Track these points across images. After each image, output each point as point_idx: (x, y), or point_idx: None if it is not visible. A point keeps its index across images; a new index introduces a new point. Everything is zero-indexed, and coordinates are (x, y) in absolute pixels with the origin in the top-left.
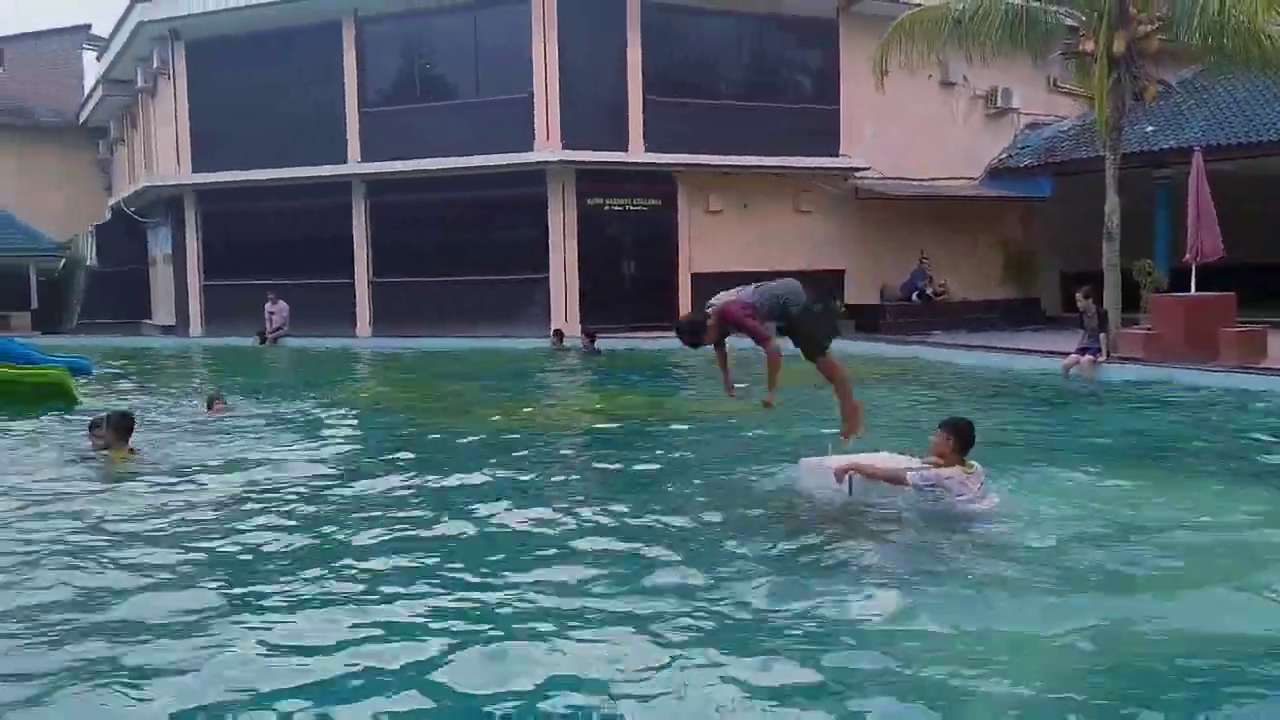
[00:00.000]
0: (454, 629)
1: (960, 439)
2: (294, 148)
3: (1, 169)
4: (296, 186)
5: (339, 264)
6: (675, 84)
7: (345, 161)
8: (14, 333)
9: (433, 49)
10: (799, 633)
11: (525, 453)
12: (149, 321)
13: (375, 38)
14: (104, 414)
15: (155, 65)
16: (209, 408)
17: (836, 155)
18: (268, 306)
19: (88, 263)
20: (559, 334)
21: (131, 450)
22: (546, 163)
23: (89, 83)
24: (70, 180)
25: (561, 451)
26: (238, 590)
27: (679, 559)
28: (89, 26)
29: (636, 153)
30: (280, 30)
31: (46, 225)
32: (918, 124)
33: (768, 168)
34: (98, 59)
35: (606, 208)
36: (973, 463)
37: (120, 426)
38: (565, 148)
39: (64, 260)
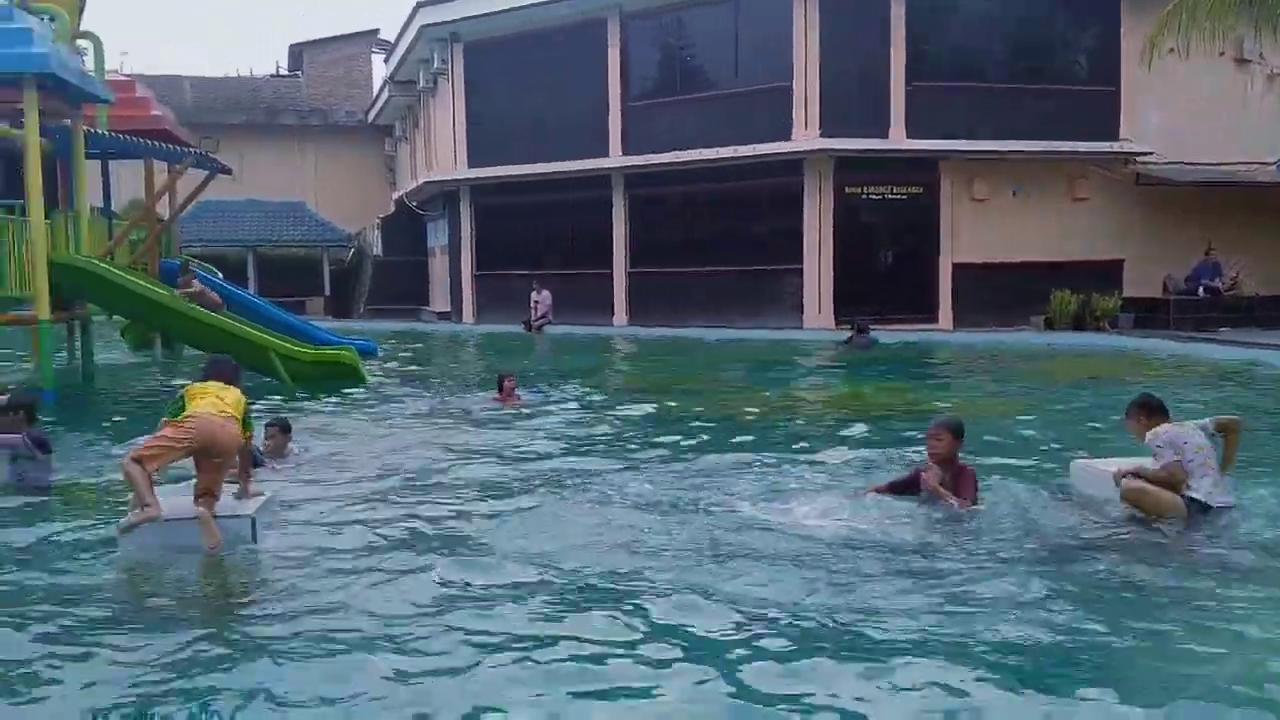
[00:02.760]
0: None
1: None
2: (559, 143)
3: (301, 166)
4: (561, 181)
5: (599, 254)
6: (940, 67)
7: (606, 155)
8: (309, 316)
9: (693, 41)
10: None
11: (805, 444)
12: (427, 308)
13: (638, 33)
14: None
15: (435, 66)
16: (499, 391)
17: (1115, 139)
18: (533, 295)
19: (374, 253)
20: (853, 325)
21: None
22: (805, 151)
23: (376, 84)
24: (360, 176)
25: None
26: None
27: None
28: (377, 31)
29: (898, 139)
30: (550, 30)
31: (338, 218)
32: (1206, 105)
33: (1040, 153)
34: (385, 62)
35: (865, 196)
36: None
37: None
38: (824, 136)
39: (353, 250)
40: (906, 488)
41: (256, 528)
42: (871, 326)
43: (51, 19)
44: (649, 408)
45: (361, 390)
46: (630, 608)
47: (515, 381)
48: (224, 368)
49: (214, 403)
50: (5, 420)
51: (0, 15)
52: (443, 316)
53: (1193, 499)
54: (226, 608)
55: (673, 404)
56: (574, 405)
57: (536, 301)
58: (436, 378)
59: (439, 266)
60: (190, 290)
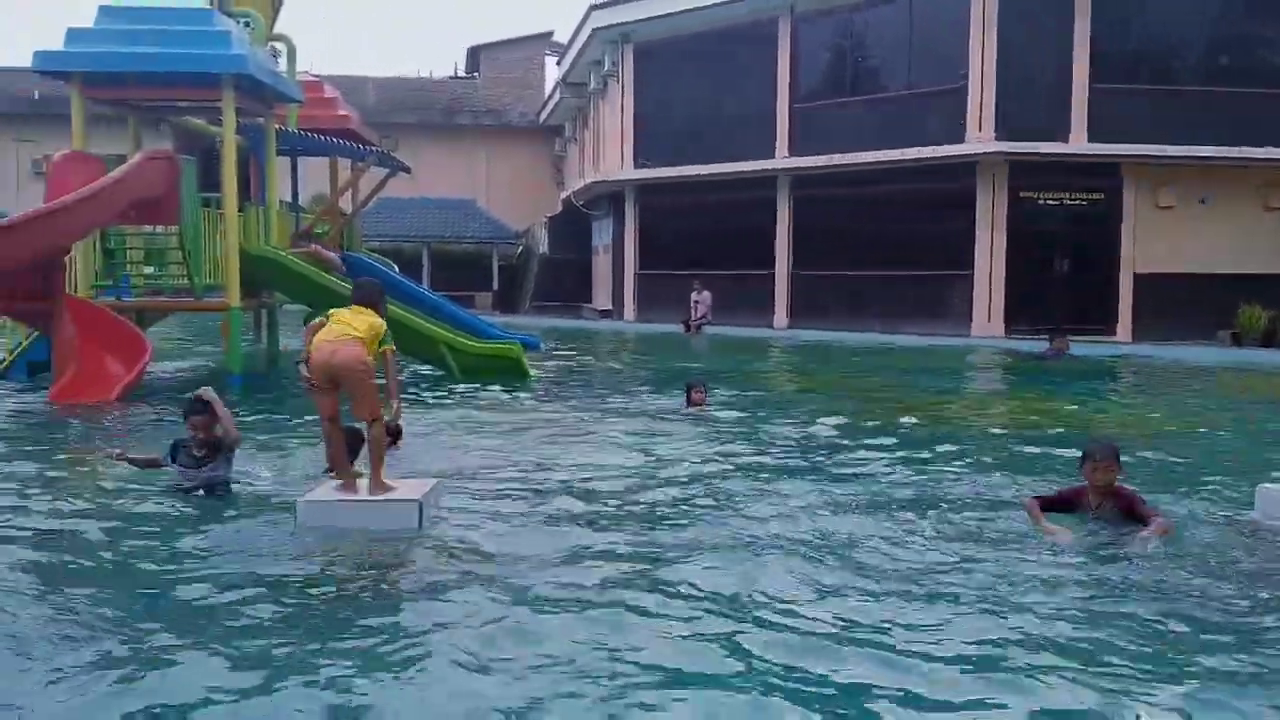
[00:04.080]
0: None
1: None
2: (725, 144)
3: (474, 164)
4: (725, 181)
5: (760, 256)
6: (1125, 68)
7: (772, 157)
8: (477, 311)
9: (865, 41)
10: None
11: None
12: (589, 306)
13: (810, 33)
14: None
15: (606, 68)
16: (688, 400)
17: None
18: (693, 295)
19: (540, 250)
20: (1058, 335)
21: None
22: (978, 154)
23: (549, 86)
24: (529, 176)
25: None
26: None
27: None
28: (551, 33)
29: (1078, 143)
30: (720, 31)
31: (508, 216)
32: None
33: (1231, 159)
34: (557, 64)
35: (1041, 201)
36: None
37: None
38: (999, 138)
39: (521, 248)
40: (1067, 505)
41: (424, 514)
42: (1070, 341)
43: (248, 23)
44: (840, 419)
45: (533, 388)
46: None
47: (705, 392)
48: (366, 292)
49: (335, 329)
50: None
51: (201, 18)
52: (604, 314)
53: None
54: (387, 596)
55: (869, 413)
56: (765, 412)
57: (697, 301)
58: (618, 379)
59: (602, 265)
60: (306, 250)
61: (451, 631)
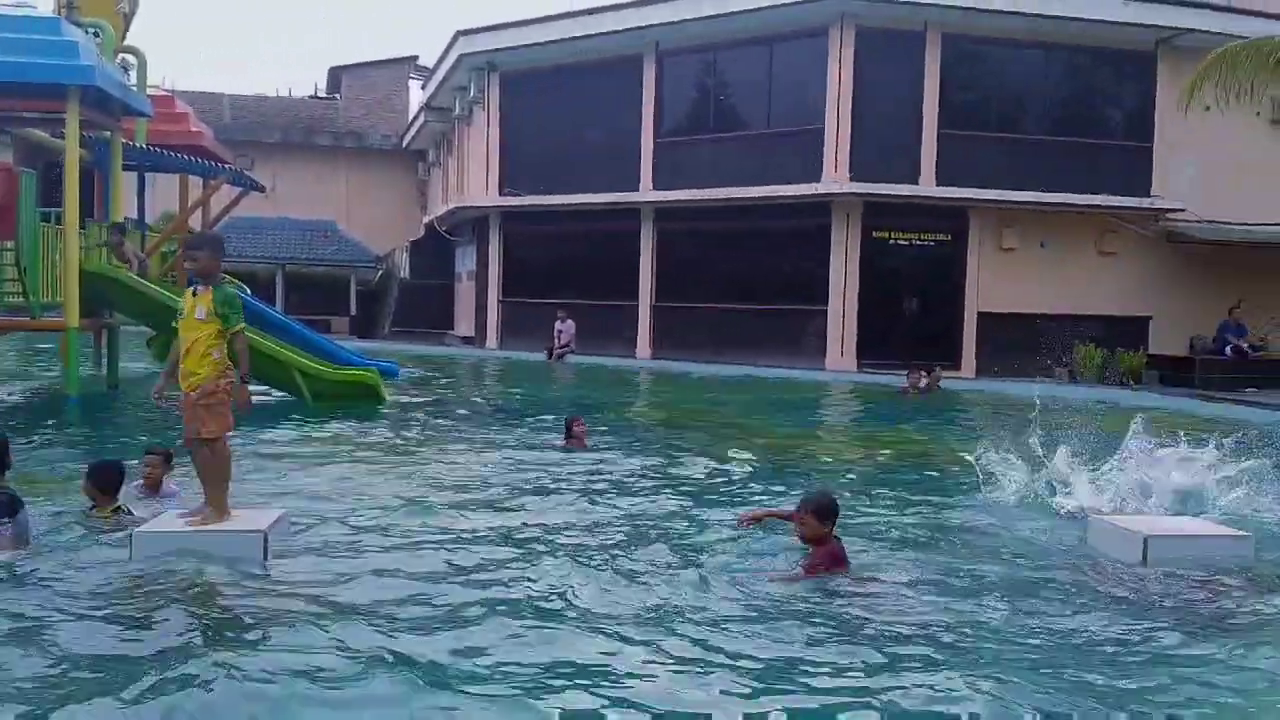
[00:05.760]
0: None
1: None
2: (590, 175)
3: (334, 187)
4: (590, 211)
5: (624, 287)
6: (973, 116)
7: (637, 189)
8: (334, 335)
9: (727, 80)
10: None
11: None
12: (451, 332)
13: (674, 70)
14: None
15: (472, 95)
16: (568, 434)
17: (1147, 195)
18: (557, 324)
19: (401, 275)
20: (919, 370)
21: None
22: (833, 194)
23: (413, 110)
24: (391, 199)
25: None
26: None
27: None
28: (415, 57)
29: (928, 185)
30: (586, 64)
31: (368, 239)
32: (1242, 165)
33: (1070, 205)
34: (422, 88)
35: (892, 241)
36: None
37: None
38: (853, 179)
39: (381, 272)
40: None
41: (268, 545)
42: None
43: (97, 33)
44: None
45: (391, 416)
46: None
47: (585, 426)
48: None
49: None
50: None
51: (47, 27)
52: (467, 341)
53: None
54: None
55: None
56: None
57: (560, 330)
58: (491, 407)
59: (465, 291)
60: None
61: (293, 673)
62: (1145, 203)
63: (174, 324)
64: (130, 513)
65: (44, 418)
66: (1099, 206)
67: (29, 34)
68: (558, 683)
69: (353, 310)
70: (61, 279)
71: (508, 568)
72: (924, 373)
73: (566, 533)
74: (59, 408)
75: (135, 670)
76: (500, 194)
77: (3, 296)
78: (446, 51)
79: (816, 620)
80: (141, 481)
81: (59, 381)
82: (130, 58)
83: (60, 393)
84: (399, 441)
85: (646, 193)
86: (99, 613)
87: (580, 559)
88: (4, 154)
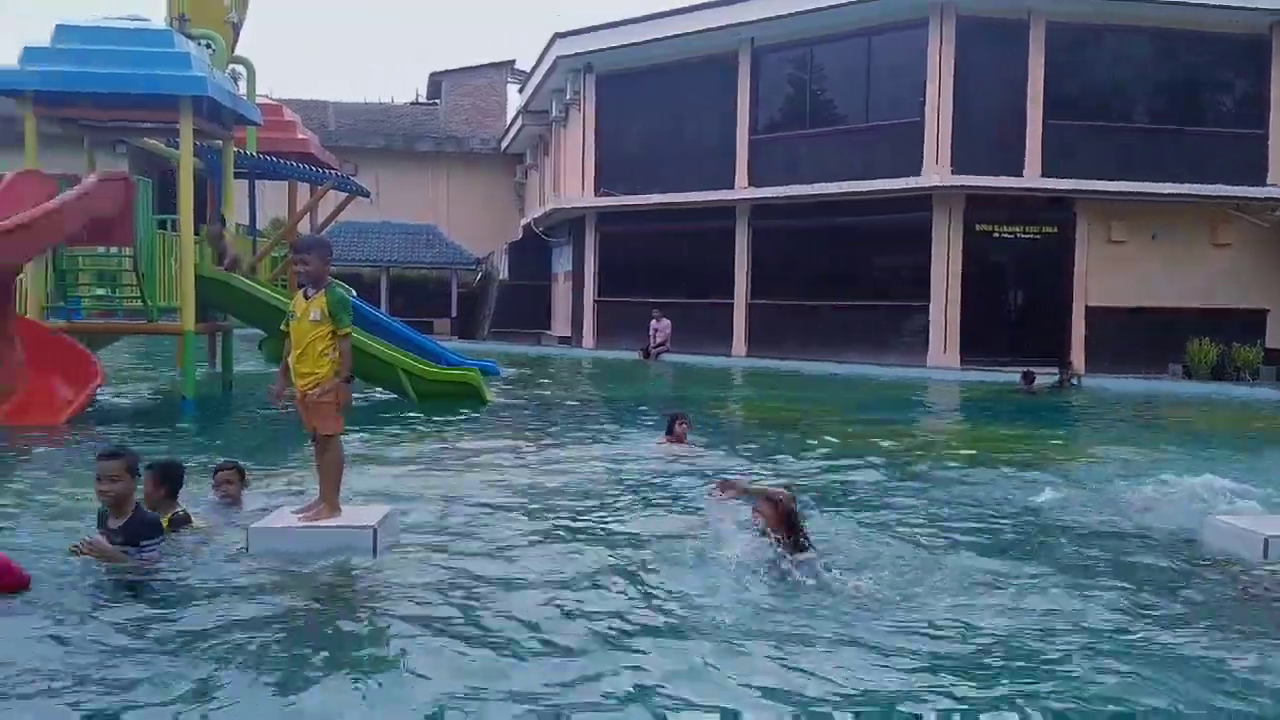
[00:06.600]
0: None
1: None
2: (685, 173)
3: (435, 191)
4: (685, 210)
5: (719, 285)
6: (1079, 106)
7: (732, 187)
8: (436, 336)
9: (824, 75)
10: None
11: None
12: (548, 332)
13: (769, 65)
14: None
15: (568, 97)
16: (669, 432)
17: (1263, 184)
18: (652, 323)
19: (500, 277)
20: (1029, 375)
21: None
22: (934, 188)
23: (510, 113)
24: (490, 202)
25: None
26: None
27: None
28: (513, 62)
29: (1033, 178)
30: (682, 62)
31: (468, 242)
32: None
33: (1182, 196)
34: (519, 91)
35: (995, 235)
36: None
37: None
38: (955, 172)
39: (481, 274)
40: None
41: (378, 540)
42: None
43: (209, 44)
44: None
45: (493, 414)
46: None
47: (687, 424)
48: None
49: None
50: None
51: (161, 40)
52: (563, 340)
53: None
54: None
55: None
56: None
57: (656, 329)
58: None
59: (561, 291)
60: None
61: (414, 663)
62: (1261, 192)
63: (282, 327)
64: (188, 519)
65: (163, 419)
66: (1212, 196)
67: (144, 47)
68: (666, 690)
69: (454, 311)
70: (178, 284)
71: (611, 571)
72: (1057, 369)
73: (669, 534)
74: (176, 409)
75: (268, 660)
76: (596, 194)
77: (121, 301)
78: (544, 54)
79: (943, 631)
80: (217, 498)
81: (176, 383)
82: (240, 68)
83: (177, 394)
84: (500, 440)
85: (741, 190)
86: (230, 609)
87: (681, 561)
88: (121, 163)
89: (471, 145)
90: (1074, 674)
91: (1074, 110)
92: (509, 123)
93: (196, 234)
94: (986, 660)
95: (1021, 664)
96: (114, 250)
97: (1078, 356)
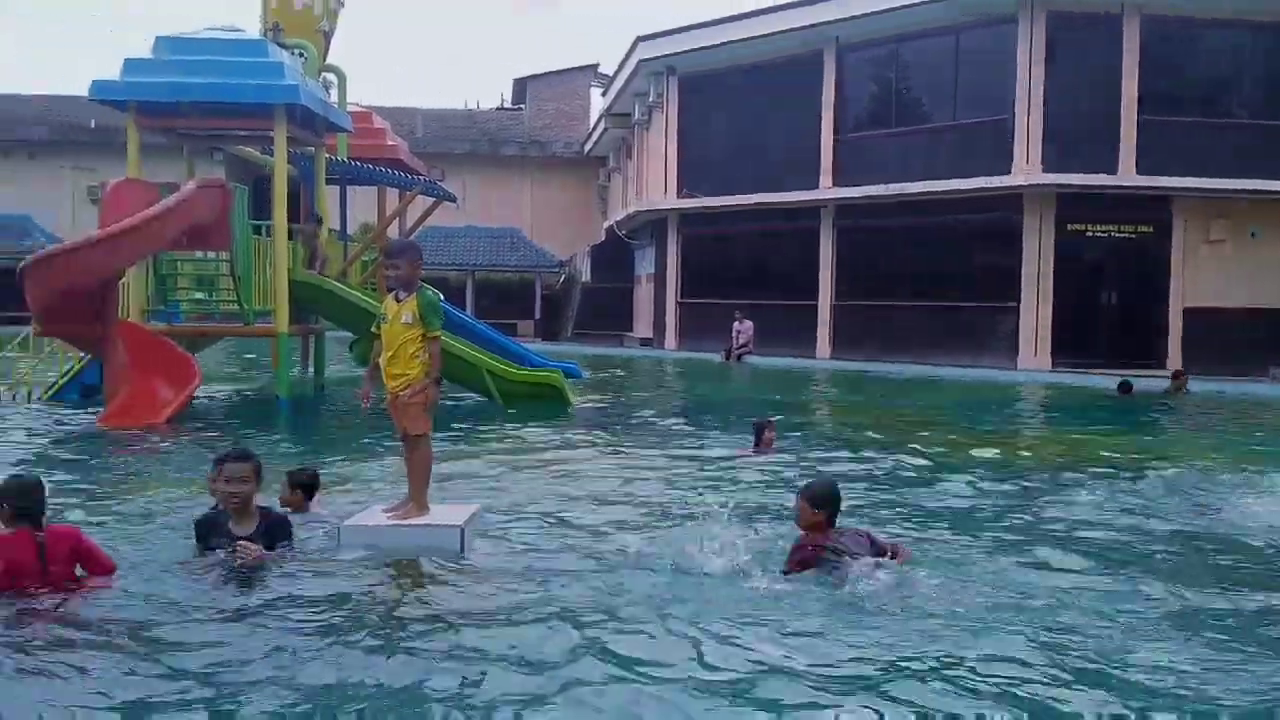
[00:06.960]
0: None
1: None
2: (768, 174)
3: (518, 194)
4: (768, 211)
5: (803, 286)
6: (1175, 101)
7: (816, 187)
8: (520, 338)
9: (910, 73)
10: None
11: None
12: (630, 334)
13: (855, 65)
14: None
15: (651, 99)
16: (757, 440)
17: None
18: (735, 325)
19: (583, 279)
20: (1125, 385)
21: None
22: (1025, 186)
23: (593, 117)
24: (573, 205)
25: None
26: None
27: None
28: (596, 65)
29: (1127, 175)
30: (765, 63)
31: (551, 245)
32: None
33: None
34: (602, 95)
35: (1088, 234)
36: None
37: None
38: (1046, 171)
39: (564, 276)
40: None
41: (465, 539)
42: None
43: (301, 53)
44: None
45: (576, 417)
46: None
47: (775, 431)
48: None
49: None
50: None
51: (255, 49)
52: (645, 342)
53: None
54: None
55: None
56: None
57: (738, 331)
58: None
59: (644, 293)
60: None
61: (504, 662)
62: None
63: (373, 329)
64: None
65: (259, 419)
66: None
67: (239, 56)
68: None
69: (537, 314)
70: (272, 287)
71: (698, 575)
72: (1171, 377)
73: (758, 545)
74: (271, 409)
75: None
76: (678, 196)
77: (218, 304)
78: (626, 57)
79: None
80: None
81: (270, 384)
82: (331, 76)
83: (272, 394)
84: (583, 443)
85: (826, 190)
86: (327, 609)
87: (770, 571)
88: (217, 170)
89: (555, 149)
90: None
91: (1170, 106)
92: (592, 126)
93: (291, 237)
94: None
95: None
96: (211, 255)
97: (1174, 358)
